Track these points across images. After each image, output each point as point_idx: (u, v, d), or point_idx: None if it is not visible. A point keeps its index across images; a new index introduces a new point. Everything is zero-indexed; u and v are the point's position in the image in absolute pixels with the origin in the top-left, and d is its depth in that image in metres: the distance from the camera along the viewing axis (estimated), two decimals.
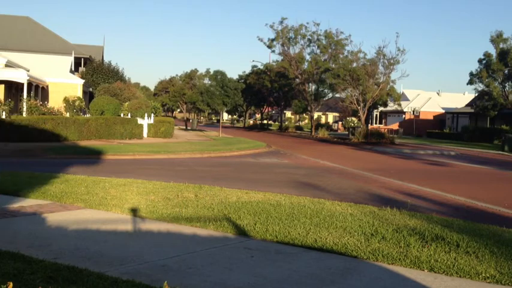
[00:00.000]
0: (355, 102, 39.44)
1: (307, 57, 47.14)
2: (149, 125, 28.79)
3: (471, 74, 43.05)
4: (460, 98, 68.46)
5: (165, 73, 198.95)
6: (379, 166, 18.31)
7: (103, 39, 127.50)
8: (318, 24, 46.33)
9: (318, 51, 46.02)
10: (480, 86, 43.55)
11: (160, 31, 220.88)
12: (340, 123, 66.94)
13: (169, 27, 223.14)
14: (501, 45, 40.58)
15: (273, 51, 49.10)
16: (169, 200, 8.27)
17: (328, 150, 26.70)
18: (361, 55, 40.32)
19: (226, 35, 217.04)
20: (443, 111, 61.77)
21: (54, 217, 6.82)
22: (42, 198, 8.13)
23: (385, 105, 48.16)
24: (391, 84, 40.16)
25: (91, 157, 17.07)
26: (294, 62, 46.22)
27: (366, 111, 40.17)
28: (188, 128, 48.99)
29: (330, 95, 50.85)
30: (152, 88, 74.09)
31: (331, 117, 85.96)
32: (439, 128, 58.04)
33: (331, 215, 7.32)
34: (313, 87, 49.34)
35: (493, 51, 41.32)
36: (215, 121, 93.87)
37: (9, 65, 29.14)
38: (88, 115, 29.70)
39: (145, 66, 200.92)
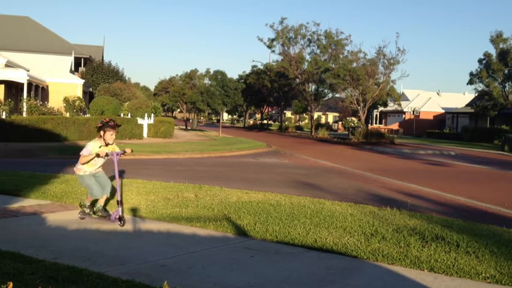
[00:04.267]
0: (355, 102, 39.44)
1: (307, 57, 47.20)
2: (149, 125, 28.78)
3: (471, 74, 43.06)
4: (460, 98, 68.51)
5: (165, 73, 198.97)
6: (379, 166, 18.31)
7: (103, 39, 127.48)
8: (318, 24, 46.43)
9: (318, 51, 46.05)
10: (480, 86, 43.57)
11: (160, 31, 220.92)
12: (340, 123, 66.95)
13: (169, 27, 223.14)
14: (501, 45, 40.58)
15: (273, 51, 49.15)
16: (169, 200, 8.27)
17: (328, 150, 26.70)
18: (361, 55, 40.33)
19: (226, 35, 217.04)
20: (443, 111, 61.79)
21: (55, 217, 6.82)
22: (43, 198, 8.13)
23: (385, 105, 48.17)
24: (391, 84, 40.17)
25: None
26: (294, 62, 46.21)
27: (366, 111, 40.17)
28: (188, 128, 48.99)
29: (330, 95, 50.84)
30: (152, 88, 74.06)
31: (331, 117, 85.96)
32: (439, 128, 58.05)
33: (331, 215, 7.32)
34: (313, 87, 49.35)
35: (493, 51, 41.36)
36: (215, 121, 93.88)
37: (9, 65, 29.14)
38: (88, 115, 29.70)
39: (145, 66, 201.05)
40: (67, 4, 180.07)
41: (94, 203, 6.69)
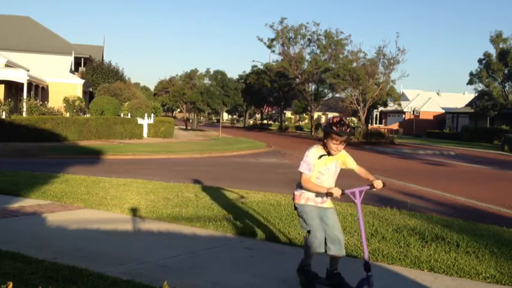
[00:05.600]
0: (355, 102, 39.43)
1: (307, 57, 47.20)
2: (149, 125, 28.78)
3: (471, 74, 43.09)
4: (460, 98, 68.55)
5: (165, 73, 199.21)
6: (379, 166, 18.31)
7: (103, 39, 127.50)
8: (318, 24, 46.42)
9: (318, 51, 46.04)
10: (480, 86, 43.64)
11: (160, 31, 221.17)
12: None
13: (169, 27, 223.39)
14: (501, 45, 40.63)
15: (273, 51, 49.15)
16: (169, 200, 8.27)
17: None
18: (361, 55, 40.33)
19: (226, 35, 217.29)
20: (443, 111, 61.79)
21: (54, 217, 6.81)
22: (42, 198, 8.12)
23: (385, 105, 48.20)
24: (391, 84, 40.18)
25: (91, 157, 17.06)
26: (294, 62, 46.20)
27: (365, 111, 40.16)
28: (188, 127, 48.99)
29: (330, 95, 50.86)
30: (152, 88, 74.18)
31: (331, 117, 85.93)
32: (439, 128, 58.04)
33: None
34: (313, 87, 49.35)
35: (493, 51, 41.43)
36: (215, 121, 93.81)
37: (9, 65, 29.14)
38: (88, 115, 29.70)
39: (145, 66, 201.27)
40: (67, 4, 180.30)
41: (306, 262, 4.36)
